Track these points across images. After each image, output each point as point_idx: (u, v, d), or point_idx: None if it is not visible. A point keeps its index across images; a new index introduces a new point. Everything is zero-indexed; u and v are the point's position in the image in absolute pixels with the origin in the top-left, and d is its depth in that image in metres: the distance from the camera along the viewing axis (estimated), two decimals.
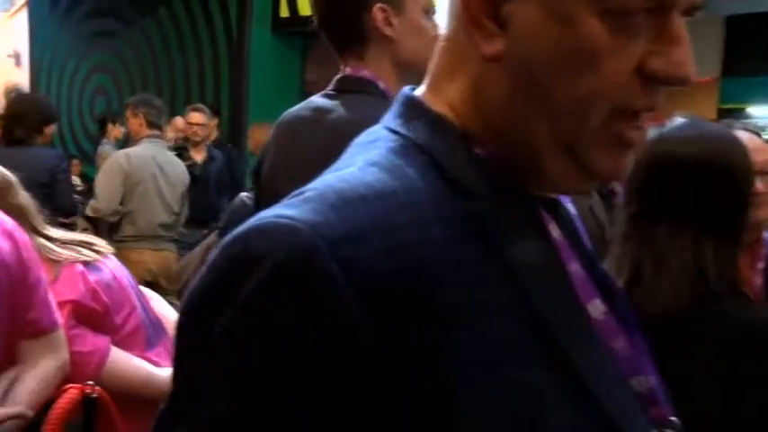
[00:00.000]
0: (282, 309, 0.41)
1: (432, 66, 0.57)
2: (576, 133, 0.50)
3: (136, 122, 3.66)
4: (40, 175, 2.94)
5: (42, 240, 1.42)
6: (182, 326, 0.47)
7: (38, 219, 1.46)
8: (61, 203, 3.07)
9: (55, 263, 1.41)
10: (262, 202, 1.50)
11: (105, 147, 4.92)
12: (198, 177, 4.27)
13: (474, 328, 0.45)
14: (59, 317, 1.25)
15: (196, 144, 4.60)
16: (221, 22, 6.77)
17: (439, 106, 0.54)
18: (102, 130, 5.29)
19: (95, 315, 1.43)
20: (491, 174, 0.52)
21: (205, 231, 4.31)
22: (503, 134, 0.52)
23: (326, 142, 1.28)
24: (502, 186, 0.52)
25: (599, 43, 0.47)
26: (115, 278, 1.52)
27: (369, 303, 0.41)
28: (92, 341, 1.40)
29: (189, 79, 6.94)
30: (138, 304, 1.56)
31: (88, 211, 3.37)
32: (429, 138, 0.52)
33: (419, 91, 0.57)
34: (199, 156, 4.60)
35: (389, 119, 0.56)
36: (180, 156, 4.18)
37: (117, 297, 1.49)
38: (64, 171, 3.41)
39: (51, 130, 3.45)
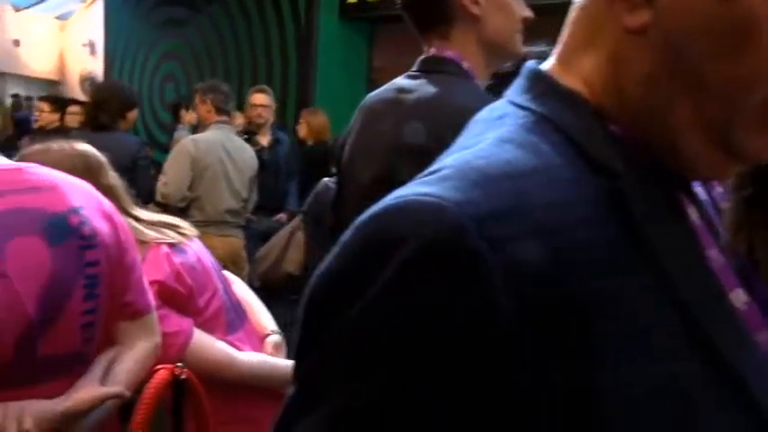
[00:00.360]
0: (431, 289, 0.40)
1: (563, 37, 0.54)
2: (726, 117, 0.46)
3: (204, 109, 3.69)
4: (123, 160, 3.04)
5: (131, 221, 1.45)
6: (311, 310, 0.46)
7: (126, 199, 1.50)
8: (141, 189, 3.16)
9: (142, 243, 1.44)
10: (341, 188, 1.49)
11: (181, 132, 5.01)
12: (265, 162, 4.17)
13: (616, 313, 0.43)
14: (152, 299, 1.28)
15: (260, 127, 4.45)
16: (289, 8, 6.83)
17: (570, 80, 0.51)
18: (176, 117, 5.40)
19: (179, 297, 1.45)
20: (629, 152, 0.48)
21: (280, 216, 4.27)
22: (640, 113, 0.49)
23: (408, 122, 1.27)
24: (640, 166, 0.48)
25: (761, 20, 0.43)
26: (199, 260, 1.54)
27: (513, 285, 0.40)
28: (176, 322, 1.43)
29: (256, 66, 7.04)
30: (220, 287, 1.58)
31: (157, 197, 3.42)
32: (561, 113, 0.49)
33: (546, 65, 0.54)
34: (264, 139, 4.45)
35: (515, 94, 0.53)
36: (249, 141, 4.15)
37: (200, 280, 1.51)
38: (145, 157, 3.50)
39: (134, 115, 3.53)
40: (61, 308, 1.07)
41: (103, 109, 3.29)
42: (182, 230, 1.56)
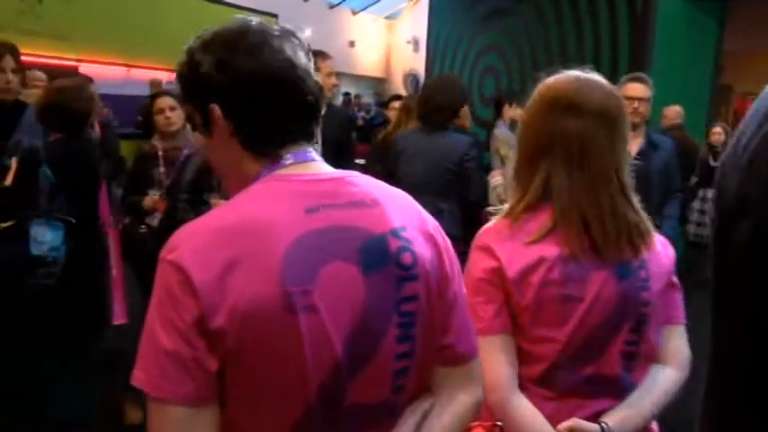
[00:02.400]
0: None
1: None
2: None
3: None
4: (451, 160, 3.00)
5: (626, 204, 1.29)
6: None
7: (624, 176, 1.31)
8: (471, 190, 3.03)
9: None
10: None
11: (501, 128, 4.84)
12: (636, 172, 3.39)
13: None
14: (477, 343, 1.06)
15: (634, 127, 3.31)
16: None
17: None
18: (498, 111, 5.24)
19: (511, 303, 1.27)
20: None
21: None
22: None
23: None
24: None
25: None
26: (590, 300, 1.25)
27: None
28: (485, 317, 1.25)
29: (583, 55, 6.63)
30: (579, 340, 1.26)
31: (494, 198, 3.22)
32: None
33: None
34: (634, 141, 3.40)
35: None
36: None
37: (559, 313, 1.26)
38: (472, 158, 3.26)
39: (466, 111, 3.37)
40: (372, 351, 0.90)
41: (432, 107, 3.22)
42: (636, 243, 1.29)
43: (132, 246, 3.27)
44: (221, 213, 0.89)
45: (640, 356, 1.31)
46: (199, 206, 3.15)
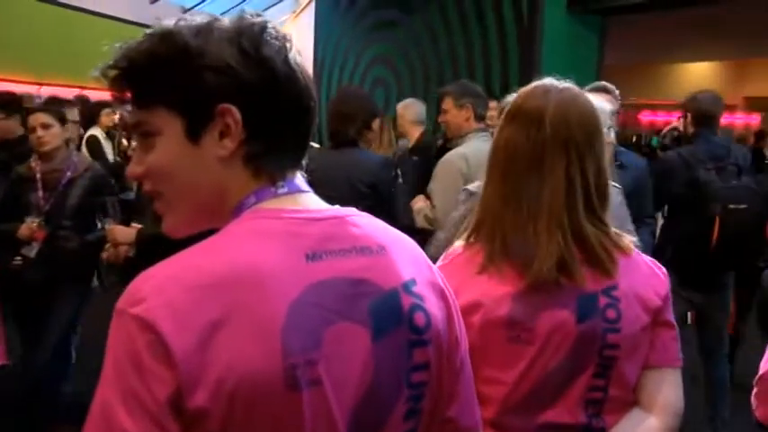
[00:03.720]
0: None
1: None
2: None
3: (461, 116, 3.23)
4: (363, 181, 2.81)
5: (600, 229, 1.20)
6: None
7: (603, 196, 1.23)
8: (397, 215, 2.88)
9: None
10: None
11: (406, 143, 4.81)
12: None
13: None
14: (479, 415, 0.94)
15: None
16: (510, 3, 6.47)
17: None
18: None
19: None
20: None
21: None
22: None
23: None
24: None
25: None
26: (553, 340, 1.15)
27: None
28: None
29: (473, 68, 6.77)
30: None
31: (421, 222, 3.09)
32: None
33: None
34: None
35: None
36: (444, 150, 3.48)
37: (513, 354, 1.15)
38: (388, 180, 3.00)
39: (377, 124, 3.16)
40: (377, 430, 0.77)
41: (349, 122, 2.96)
42: (572, 273, 1.15)
43: (6, 280, 2.95)
44: (199, 257, 0.71)
45: (611, 402, 1.19)
46: (85, 234, 2.89)
